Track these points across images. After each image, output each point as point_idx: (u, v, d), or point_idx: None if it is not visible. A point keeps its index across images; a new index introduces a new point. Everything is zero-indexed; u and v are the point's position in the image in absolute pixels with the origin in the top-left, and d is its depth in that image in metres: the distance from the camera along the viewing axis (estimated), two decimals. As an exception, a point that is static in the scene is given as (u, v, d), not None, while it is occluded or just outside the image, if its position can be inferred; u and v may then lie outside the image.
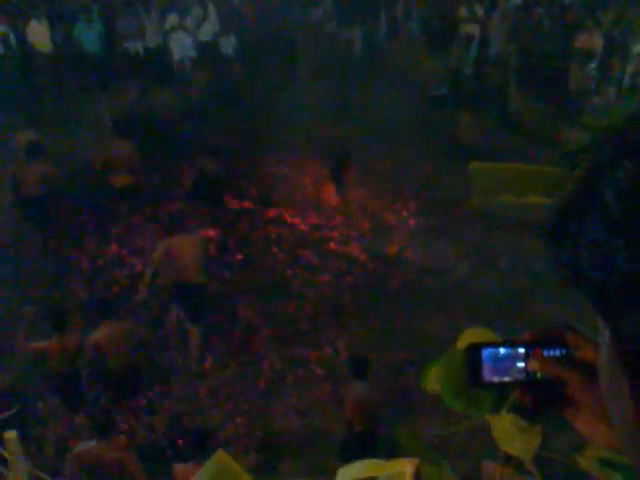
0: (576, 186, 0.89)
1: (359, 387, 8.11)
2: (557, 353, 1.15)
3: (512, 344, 1.19)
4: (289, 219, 12.75)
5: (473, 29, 16.79)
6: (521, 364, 1.18)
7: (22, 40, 16.81)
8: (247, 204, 13.09)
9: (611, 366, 0.91)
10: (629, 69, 15.45)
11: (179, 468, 6.99)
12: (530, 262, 11.33)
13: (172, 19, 17.24)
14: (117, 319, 9.16)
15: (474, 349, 1.20)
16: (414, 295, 10.98)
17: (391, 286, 11.32)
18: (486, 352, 1.20)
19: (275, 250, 12.07)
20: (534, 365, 1.16)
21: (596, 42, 15.58)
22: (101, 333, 8.82)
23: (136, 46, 17.15)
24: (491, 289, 11.06)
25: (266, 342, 10.41)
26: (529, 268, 11.24)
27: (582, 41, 15.57)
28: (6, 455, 7.68)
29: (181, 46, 17.02)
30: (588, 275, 0.85)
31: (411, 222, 12.57)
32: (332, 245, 12.16)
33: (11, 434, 7.77)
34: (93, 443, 7.33)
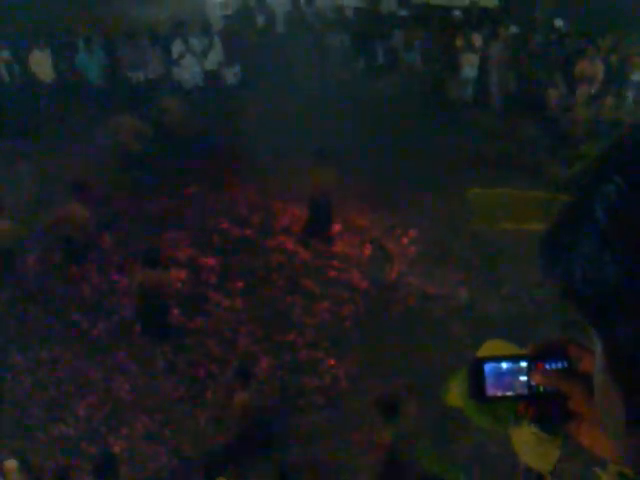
0: (568, 201, 0.91)
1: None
2: (559, 366, 1.15)
3: (515, 358, 1.20)
4: (290, 247, 12.75)
5: (472, 59, 16.86)
6: (524, 378, 1.18)
7: (25, 69, 16.93)
8: (248, 232, 13.10)
9: (604, 376, 0.93)
10: (628, 96, 15.51)
11: None
12: (532, 288, 11.32)
13: (178, 47, 17.34)
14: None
15: (477, 364, 1.21)
16: (416, 322, 10.96)
17: (392, 313, 11.30)
18: (489, 367, 1.20)
19: (275, 278, 12.06)
20: (537, 378, 1.17)
21: (597, 68, 15.64)
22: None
23: (138, 76, 17.25)
24: (493, 315, 11.04)
25: (266, 370, 10.37)
26: (531, 294, 11.22)
27: (582, 68, 15.64)
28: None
29: (190, 74, 17.15)
30: (580, 288, 0.87)
31: (411, 249, 12.55)
32: (332, 273, 12.15)
33: (12, 463, 7.77)
34: None
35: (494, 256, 12.03)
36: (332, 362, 10.44)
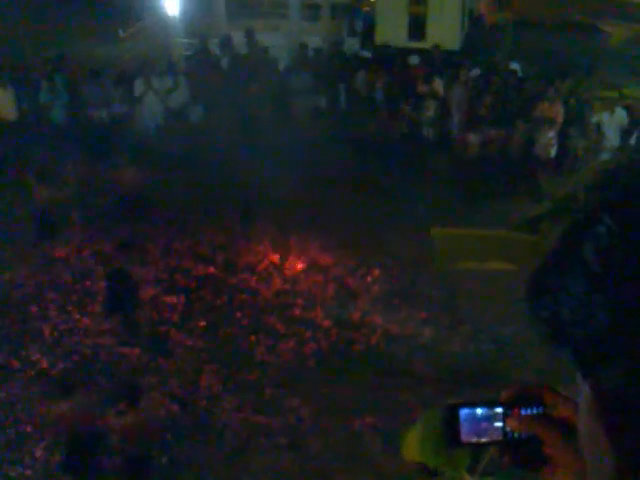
0: (557, 241, 0.90)
1: None
2: (534, 411, 1.14)
3: (490, 404, 1.18)
4: (253, 285, 12.71)
5: (432, 104, 17.03)
6: (499, 424, 1.17)
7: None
8: (212, 270, 13.04)
9: (590, 421, 0.91)
10: (586, 138, 15.75)
11: None
12: (494, 327, 11.38)
13: (140, 86, 17.35)
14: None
15: (452, 410, 1.19)
16: (379, 361, 10.93)
17: (356, 352, 11.27)
18: (464, 412, 1.19)
19: (239, 316, 12.00)
20: (512, 424, 1.15)
21: (557, 110, 15.88)
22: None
23: (101, 114, 17.20)
24: (455, 354, 11.06)
25: (229, 411, 10.27)
26: (493, 333, 11.28)
27: (543, 110, 15.87)
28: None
29: (150, 113, 17.12)
30: (568, 330, 0.86)
31: (375, 288, 12.57)
32: (296, 311, 12.11)
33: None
34: None
35: (456, 295, 12.09)
36: (295, 402, 10.37)
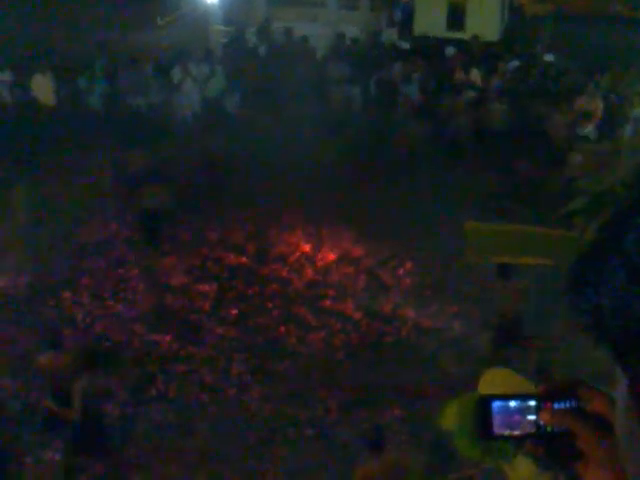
0: (598, 233, 0.90)
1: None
2: (568, 406, 1.14)
3: (523, 397, 1.18)
4: (285, 275, 12.74)
5: (470, 94, 16.93)
6: (532, 417, 1.17)
7: (27, 92, 17.00)
8: (244, 260, 13.10)
9: (628, 416, 0.91)
10: (626, 132, 15.57)
11: None
12: (525, 322, 11.31)
13: (177, 74, 17.44)
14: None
15: (484, 402, 1.19)
16: (408, 354, 10.92)
17: (385, 344, 11.27)
18: (496, 405, 1.19)
19: (270, 306, 12.04)
20: (545, 417, 1.15)
21: (596, 105, 15.72)
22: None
23: (138, 101, 17.32)
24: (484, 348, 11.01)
25: (258, 400, 10.32)
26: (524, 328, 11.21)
27: (582, 103, 15.71)
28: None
29: (187, 101, 17.21)
30: (608, 322, 0.86)
31: (407, 281, 12.54)
32: (327, 302, 12.12)
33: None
34: None
35: (487, 289, 12.02)
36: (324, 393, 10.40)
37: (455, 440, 4.45)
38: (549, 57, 17.77)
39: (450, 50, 18.71)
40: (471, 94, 16.75)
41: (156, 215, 12.87)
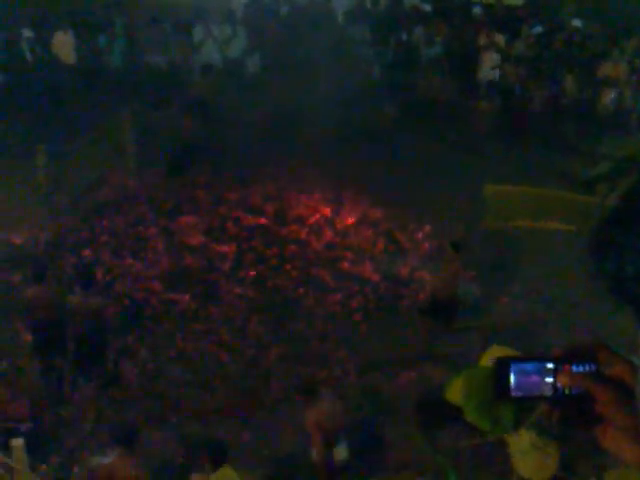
0: (621, 198, 0.90)
1: None
2: (587, 369, 1.14)
3: (541, 359, 1.18)
4: (304, 237, 12.74)
5: (494, 58, 16.75)
6: (550, 379, 1.17)
7: (47, 50, 16.96)
8: (263, 221, 13.10)
9: None
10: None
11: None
12: (543, 288, 11.29)
13: (199, 33, 17.35)
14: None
15: (503, 363, 1.19)
16: (425, 316, 10.93)
17: (402, 307, 11.28)
18: (515, 367, 1.19)
19: (288, 268, 12.06)
20: (563, 380, 1.15)
21: (620, 71, 15.54)
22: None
23: (158, 61, 17.24)
24: (503, 313, 11.02)
25: (276, 360, 10.39)
26: (542, 293, 11.20)
27: (606, 70, 15.54)
28: (12, 464, 7.69)
29: (209, 61, 17.11)
30: (631, 285, 0.85)
31: (425, 245, 12.52)
32: (345, 265, 12.13)
33: (18, 442, 7.79)
34: (107, 459, 7.23)
35: (506, 254, 11.99)
36: (342, 354, 10.45)
37: (464, 412, 4.47)
38: (577, 22, 17.49)
39: (476, 11, 18.49)
40: (494, 57, 16.59)
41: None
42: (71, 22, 17.20)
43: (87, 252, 12.18)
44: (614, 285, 0.88)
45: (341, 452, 8.29)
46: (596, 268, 0.92)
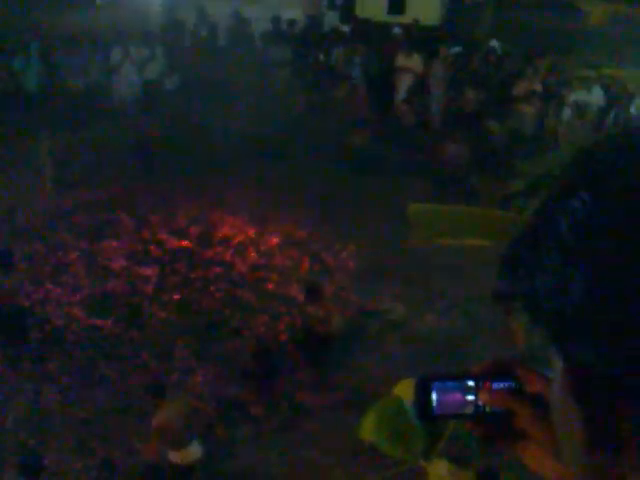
0: (533, 215, 0.90)
1: None
2: (507, 386, 1.14)
3: (462, 377, 1.18)
4: (228, 258, 12.69)
5: (409, 78, 17.01)
6: (471, 397, 1.16)
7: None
8: (186, 243, 13.00)
9: (562, 396, 0.92)
10: (564, 116, 15.82)
11: None
12: (466, 304, 11.45)
13: (116, 55, 17.22)
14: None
15: (424, 383, 1.19)
16: (352, 336, 10.97)
17: (329, 327, 11.29)
18: (436, 386, 1.18)
19: (213, 290, 11.98)
20: (484, 397, 1.15)
21: (535, 89, 15.94)
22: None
23: (77, 83, 17.03)
24: (427, 330, 11.13)
25: (201, 384, 10.29)
26: (465, 310, 11.36)
27: (521, 88, 15.92)
28: None
29: (127, 82, 16.98)
30: (542, 304, 0.86)
31: (350, 264, 12.58)
32: (270, 285, 12.11)
33: None
34: None
35: (430, 271, 12.13)
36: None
37: (378, 444, 4.51)
38: (494, 43, 17.91)
39: (395, 30, 18.77)
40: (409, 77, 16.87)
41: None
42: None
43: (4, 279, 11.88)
44: (526, 304, 0.89)
45: (193, 453, 8.47)
46: (507, 286, 0.92)
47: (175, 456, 8.41)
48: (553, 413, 0.98)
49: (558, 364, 0.91)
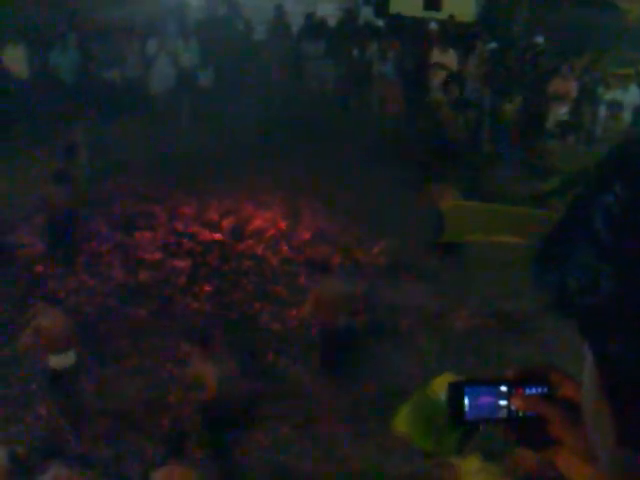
0: (566, 210, 0.90)
1: None
2: (539, 391, 1.14)
3: (494, 382, 1.19)
4: (260, 252, 12.72)
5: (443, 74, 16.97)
6: (503, 402, 1.17)
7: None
8: (218, 236, 13.06)
9: (594, 391, 0.92)
10: (599, 115, 15.69)
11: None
12: (499, 303, 11.40)
13: (152, 47, 17.31)
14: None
15: (456, 388, 1.19)
16: (383, 333, 10.96)
17: (359, 323, 11.28)
18: (468, 390, 1.19)
19: (244, 283, 12.02)
20: (517, 403, 1.15)
21: (570, 87, 15.82)
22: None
23: (114, 75, 17.14)
24: (458, 327, 11.10)
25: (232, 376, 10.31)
26: (498, 309, 11.31)
27: (556, 86, 15.81)
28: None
29: (162, 76, 17.05)
30: (574, 300, 0.86)
31: (381, 259, 12.56)
32: (302, 279, 12.12)
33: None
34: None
35: (462, 268, 12.09)
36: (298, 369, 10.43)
37: (412, 438, 4.52)
38: (538, 39, 17.69)
39: (433, 26, 18.70)
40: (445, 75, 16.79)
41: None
42: (23, 36, 17.01)
43: (40, 267, 12.03)
44: (557, 299, 0.89)
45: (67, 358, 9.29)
46: (539, 281, 0.92)
47: (53, 360, 9.20)
48: (584, 410, 0.98)
49: (589, 360, 0.91)
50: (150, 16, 18.32)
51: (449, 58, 17.23)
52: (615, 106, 15.30)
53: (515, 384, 1.16)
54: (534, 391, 1.15)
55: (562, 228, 0.91)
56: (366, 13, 21.06)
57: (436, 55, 17.34)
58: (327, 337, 10.17)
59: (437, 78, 16.87)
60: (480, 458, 5.00)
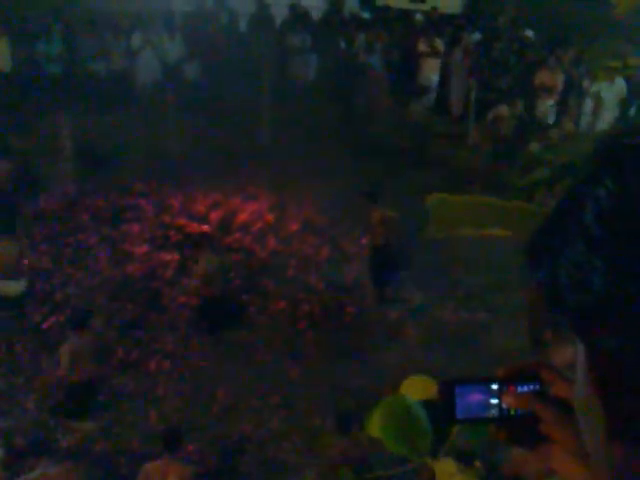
0: (557, 205, 0.90)
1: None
2: (531, 389, 1.14)
3: (485, 381, 1.18)
4: (247, 245, 12.70)
5: (434, 64, 16.97)
6: (495, 401, 1.16)
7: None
8: (206, 229, 13.02)
9: (585, 386, 0.91)
10: (585, 108, 15.72)
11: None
12: (486, 295, 11.43)
13: (137, 39, 17.24)
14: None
15: (447, 386, 1.19)
16: (370, 324, 10.98)
17: (347, 315, 11.30)
18: (459, 389, 1.18)
19: (232, 276, 12.00)
20: (508, 401, 1.14)
21: (556, 79, 15.84)
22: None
23: (98, 67, 17.06)
24: (447, 320, 11.12)
25: (220, 369, 10.33)
26: (484, 301, 11.33)
27: (542, 78, 15.82)
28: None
29: (147, 69, 16.98)
30: (565, 294, 0.85)
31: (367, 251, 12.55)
32: (290, 272, 12.11)
33: None
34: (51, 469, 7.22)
35: (449, 261, 12.10)
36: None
37: (384, 441, 4.53)
38: (528, 32, 17.67)
39: (419, 17, 18.68)
40: (434, 63, 16.80)
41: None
42: (6, 28, 16.88)
43: (25, 261, 11.97)
44: (548, 294, 0.89)
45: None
46: (530, 276, 0.92)
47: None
48: (576, 406, 0.97)
49: (581, 355, 0.91)
50: (136, 8, 18.21)
51: (439, 49, 17.24)
52: (597, 100, 15.31)
53: (506, 382, 1.15)
54: (525, 389, 1.13)
55: (553, 222, 0.90)
56: (351, 5, 20.98)
57: (423, 46, 17.32)
58: None
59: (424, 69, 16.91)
60: (455, 461, 4.99)
